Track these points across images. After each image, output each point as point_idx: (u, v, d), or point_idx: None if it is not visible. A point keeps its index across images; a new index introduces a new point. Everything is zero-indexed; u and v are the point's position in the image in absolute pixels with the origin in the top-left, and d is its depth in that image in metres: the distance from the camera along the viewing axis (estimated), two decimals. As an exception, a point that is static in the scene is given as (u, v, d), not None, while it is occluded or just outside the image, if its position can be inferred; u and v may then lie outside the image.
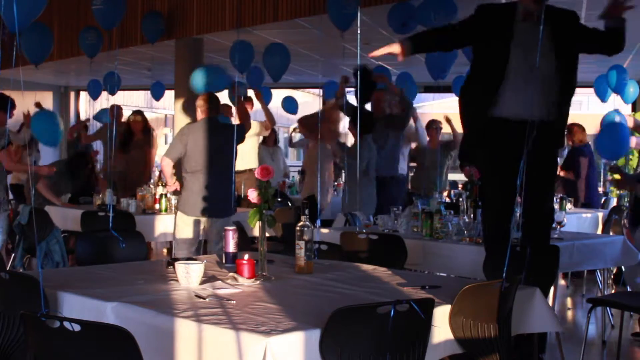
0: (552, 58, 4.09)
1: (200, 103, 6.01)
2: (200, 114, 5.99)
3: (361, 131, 6.60)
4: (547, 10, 4.04)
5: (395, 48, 4.22)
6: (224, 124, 6.17)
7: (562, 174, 8.33)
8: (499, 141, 4.14)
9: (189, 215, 5.90)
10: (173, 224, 6.56)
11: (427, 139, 8.67)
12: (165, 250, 8.71)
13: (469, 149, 4.59)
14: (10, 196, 7.71)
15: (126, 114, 9.30)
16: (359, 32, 6.25)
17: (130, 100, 17.42)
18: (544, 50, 4.01)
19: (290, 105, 11.45)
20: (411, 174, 9.17)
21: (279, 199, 7.85)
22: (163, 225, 6.60)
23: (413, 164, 8.97)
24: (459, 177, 13.18)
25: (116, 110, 9.03)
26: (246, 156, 8.20)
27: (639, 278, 5.44)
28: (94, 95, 11.14)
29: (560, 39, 4.10)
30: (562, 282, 7.66)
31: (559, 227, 5.14)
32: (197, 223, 5.92)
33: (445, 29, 4.41)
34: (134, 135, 8.50)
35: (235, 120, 6.37)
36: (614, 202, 8.72)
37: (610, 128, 6.42)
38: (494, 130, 4.15)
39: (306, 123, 7.46)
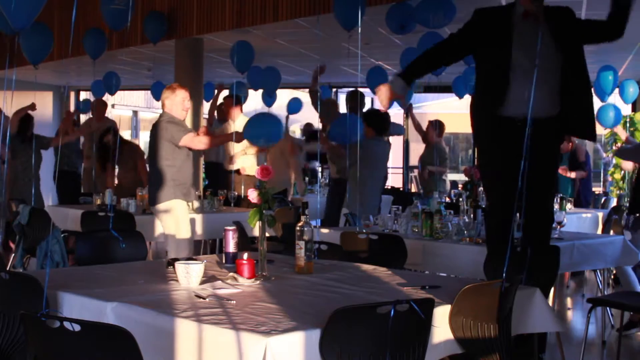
0: (557, 54, 4.09)
1: None
2: None
3: (375, 132, 6.72)
4: (544, 8, 4.05)
5: (383, 93, 4.15)
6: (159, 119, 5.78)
7: (573, 175, 8.45)
8: (505, 141, 4.12)
9: None
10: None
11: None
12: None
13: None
14: None
15: (126, 113, 9.29)
16: (359, 31, 6.25)
17: (130, 101, 17.28)
18: (549, 47, 4.02)
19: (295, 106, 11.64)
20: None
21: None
22: (163, 225, 6.59)
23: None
24: (459, 177, 13.20)
25: (97, 104, 9.10)
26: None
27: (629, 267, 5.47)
28: (99, 96, 11.14)
29: (562, 34, 4.11)
30: (562, 282, 7.65)
31: (559, 227, 5.13)
32: None
33: (440, 45, 4.38)
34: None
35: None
36: (614, 202, 8.72)
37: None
38: (501, 131, 4.14)
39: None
